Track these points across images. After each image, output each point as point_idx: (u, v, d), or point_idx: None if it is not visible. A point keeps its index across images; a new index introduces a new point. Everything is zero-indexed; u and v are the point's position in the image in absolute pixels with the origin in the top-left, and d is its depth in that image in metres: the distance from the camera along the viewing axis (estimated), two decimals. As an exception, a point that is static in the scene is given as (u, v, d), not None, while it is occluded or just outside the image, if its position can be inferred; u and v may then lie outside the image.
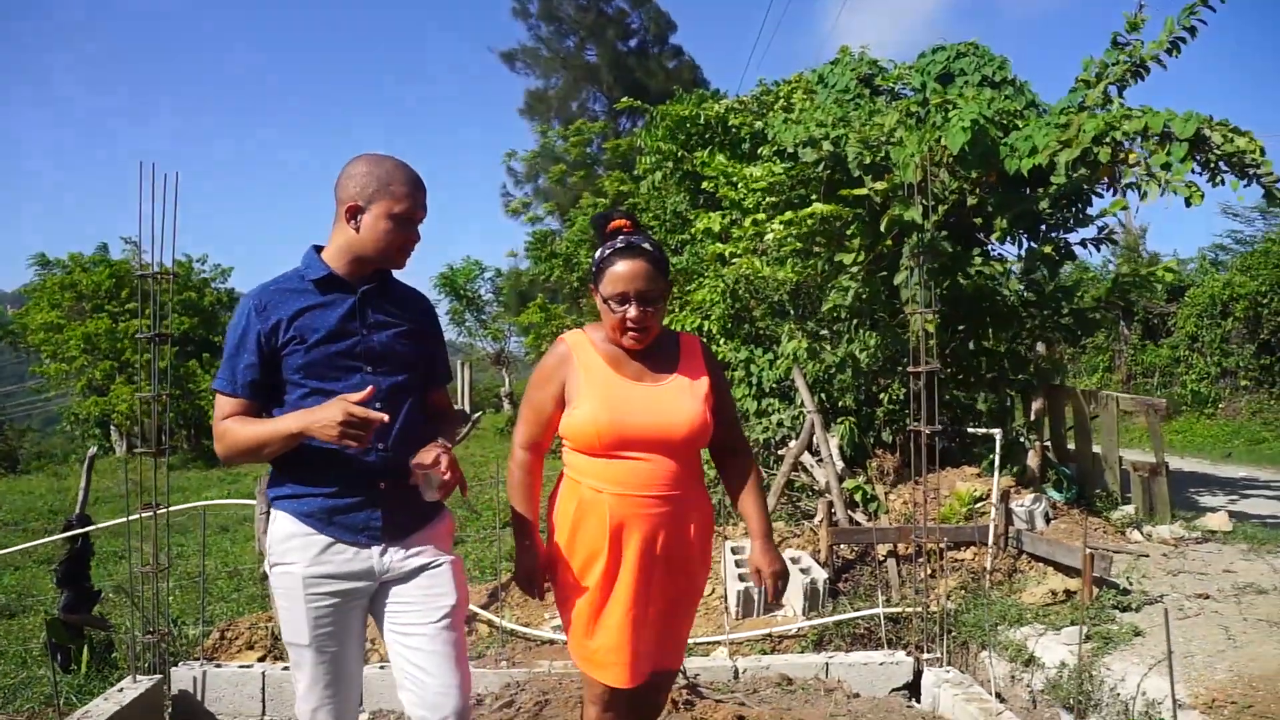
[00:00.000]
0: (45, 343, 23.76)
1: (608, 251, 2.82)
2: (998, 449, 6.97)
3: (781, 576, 2.98)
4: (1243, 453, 15.63)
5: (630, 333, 2.78)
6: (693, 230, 10.14)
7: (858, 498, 7.46)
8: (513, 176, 30.24)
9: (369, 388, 2.51)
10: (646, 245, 2.81)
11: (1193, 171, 6.76)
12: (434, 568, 2.73)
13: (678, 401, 2.81)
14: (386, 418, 2.49)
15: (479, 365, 30.91)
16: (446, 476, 2.52)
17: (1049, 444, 8.87)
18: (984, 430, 7.78)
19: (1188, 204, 6.34)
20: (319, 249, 2.72)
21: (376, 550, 2.66)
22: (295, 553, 2.64)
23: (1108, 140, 6.47)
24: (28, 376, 31.91)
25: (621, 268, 2.76)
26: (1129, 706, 4.56)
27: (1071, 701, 4.79)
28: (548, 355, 2.96)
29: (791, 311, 8.56)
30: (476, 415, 8.43)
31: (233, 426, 2.61)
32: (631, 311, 2.75)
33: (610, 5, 33.48)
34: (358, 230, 2.62)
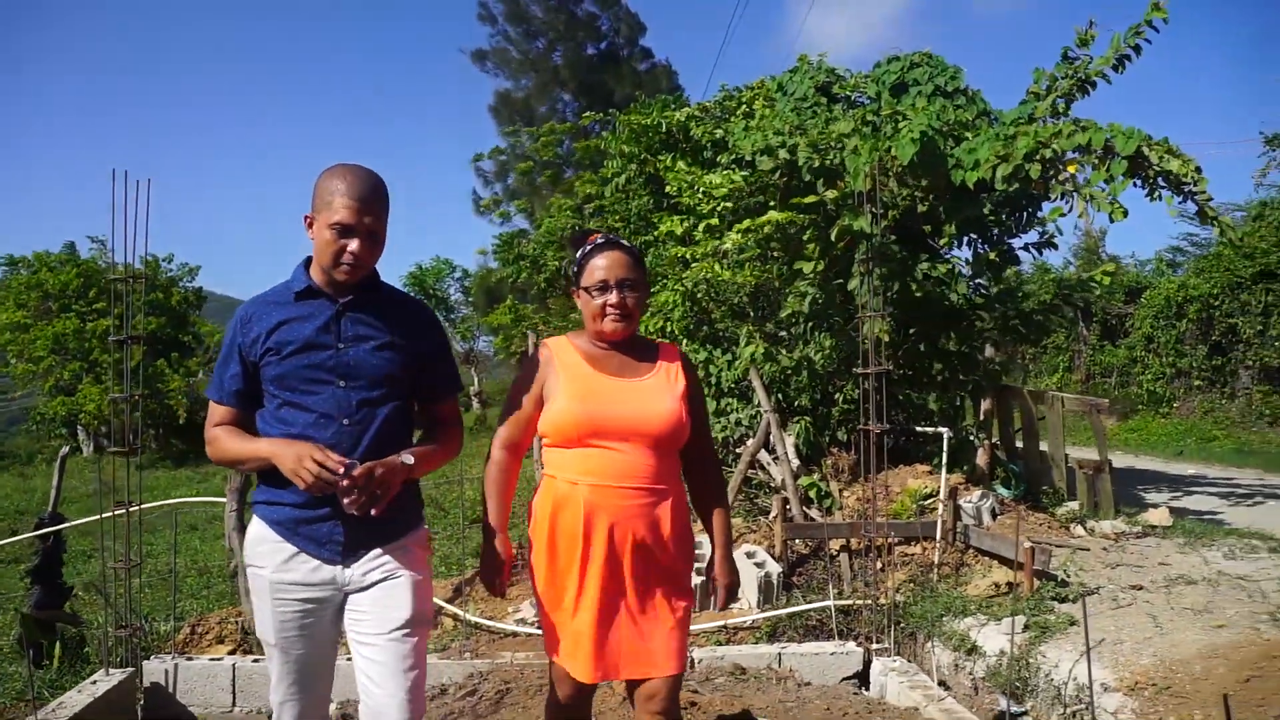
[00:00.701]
0: (11, 343, 23.65)
1: (588, 248, 2.96)
2: (945, 447, 7.24)
3: (734, 589, 3.08)
4: (1194, 450, 16.05)
5: (610, 317, 2.88)
6: (656, 233, 10.36)
7: (813, 494, 7.70)
8: (482, 177, 30.41)
9: (340, 463, 2.51)
10: (625, 243, 2.97)
11: (1134, 185, 7.07)
12: (392, 579, 2.73)
13: (654, 397, 2.89)
14: (342, 469, 2.50)
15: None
16: (344, 484, 2.52)
17: (998, 442, 9.17)
18: (933, 429, 8.04)
19: (1111, 220, 6.65)
20: (309, 261, 2.76)
21: (339, 564, 2.69)
22: (264, 557, 2.71)
23: (1038, 157, 6.75)
24: (-8, 377, 31.69)
25: (602, 259, 2.89)
26: (1061, 691, 4.82)
27: (1010, 687, 5.04)
28: (529, 361, 3.07)
29: (751, 314, 8.79)
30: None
31: (221, 436, 2.73)
32: (612, 297, 2.86)
33: (580, 7, 33.63)
34: (313, 240, 2.67)
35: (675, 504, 2.91)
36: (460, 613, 6.27)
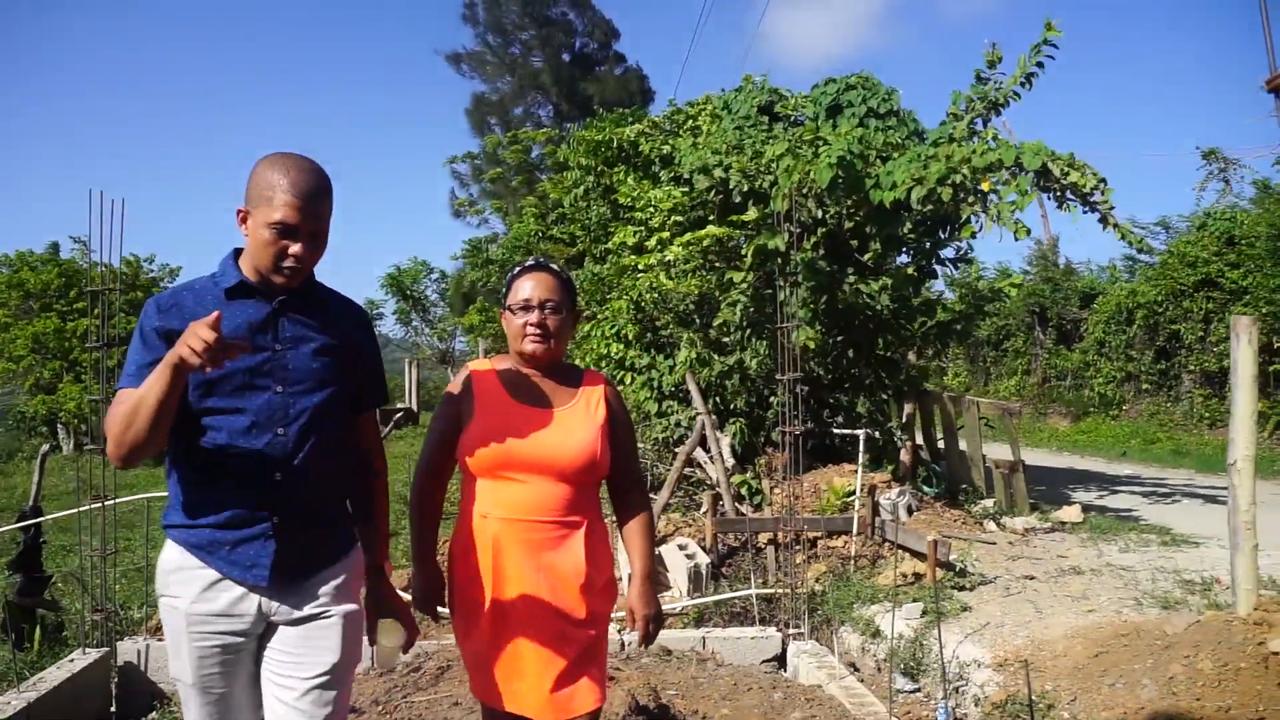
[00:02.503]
0: (-9, 343, 23.89)
1: (516, 269, 2.93)
2: (861, 448, 7.81)
3: (654, 620, 2.92)
4: (1137, 452, 16.67)
5: (530, 337, 2.80)
6: (612, 242, 10.88)
7: (745, 491, 8.25)
8: (458, 179, 30.85)
9: (216, 313, 2.16)
10: (554, 266, 2.91)
11: (1048, 197, 7.69)
12: (323, 619, 2.52)
13: (569, 428, 2.79)
14: (249, 349, 2.32)
15: (426, 364, 31.45)
16: (404, 656, 2.51)
17: (921, 443, 9.75)
18: (851, 431, 8.60)
19: (1016, 237, 7.24)
20: (239, 253, 2.51)
21: (265, 590, 2.44)
22: (180, 586, 2.43)
23: (949, 181, 7.32)
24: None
25: (528, 279, 2.83)
26: (946, 669, 5.38)
27: (906, 667, 5.60)
28: (451, 383, 2.97)
29: (696, 320, 9.33)
30: (399, 413, 8.98)
31: (114, 407, 2.34)
32: (533, 317, 2.78)
33: (555, 11, 34.09)
34: (247, 236, 2.42)
35: (590, 535, 2.81)
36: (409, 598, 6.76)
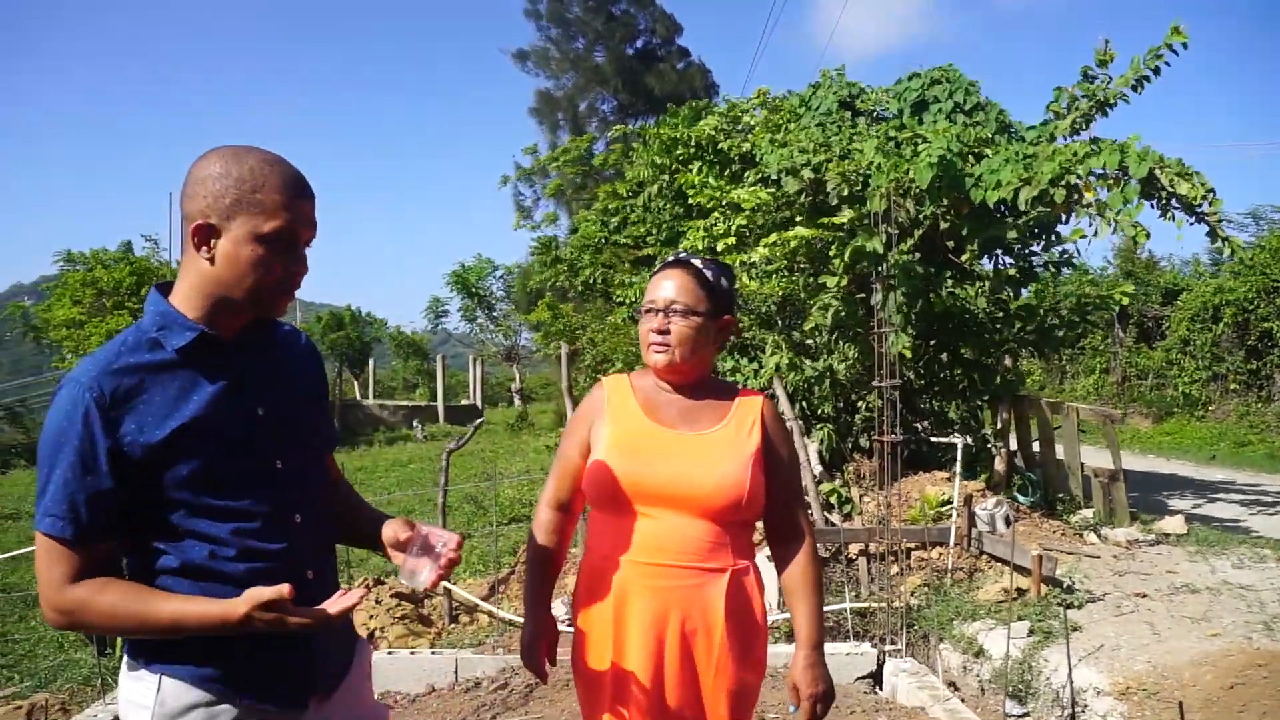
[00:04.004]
0: (67, 339, 24.29)
1: (657, 267, 2.55)
2: (959, 456, 7.51)
3: (823, 700, 2.41)
4: (1227, 455, 16.09)
5: (652, 346, 2.40)
6: (684, 243, 10.66)
7: (834, 500, 7.99)
8: (521, 180, 30.81)
9: (286, 586, 1.69)
10: (696, 262, 2.47)
11: (1150, 205, 7.31)
12: None
13: (714, 455, 2.36)
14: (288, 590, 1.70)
15: (491, 361, 31.54)
16: (455, 554, 1.88)
17: (1016, 451, 9.41)
18: (947, 439, 8.31)
19: (1135, 243, 6.89)
20: (164, 289, 1.88)
21: (299, 709, 1.92)
22: None
23: (1063, 183, 6.98)
24: (46, 370, 32.54)
25: (659, 276, 2.45)
26: (1059, 694, 5.09)
27: (1013, 689, 5.32)
28: (583, 400, 2.60)
29: (778, 323, 9.08)
30: (480, 420, 8.83)
31: (95, 601, 1.73)
32: (654, 322, 2.39)
33: (617, 7, 33.94)
34: (212, 261, 1.79)
35: (735, 587, 2.34)
36: (495, 610, 6.62)
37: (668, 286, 2.40)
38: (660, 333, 2.38)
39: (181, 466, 1.76)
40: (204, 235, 1.78)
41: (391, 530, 1.98)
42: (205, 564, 1.80)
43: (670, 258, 2.53)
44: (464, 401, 29.63)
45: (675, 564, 2.31)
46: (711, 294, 2.43)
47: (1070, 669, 4.60)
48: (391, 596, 6.73)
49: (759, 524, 2.52)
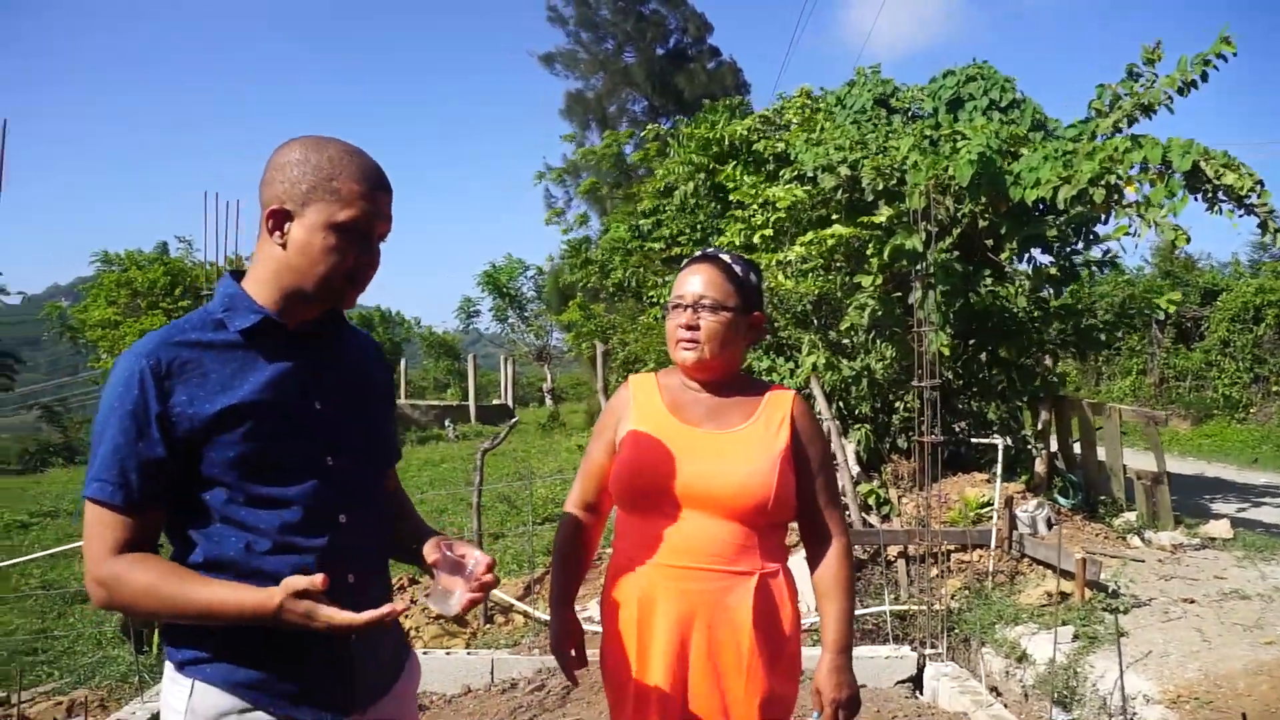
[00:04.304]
0: (102, 339, 24.51)
1: (686, 260, 2.47)
2: (1000, 457, 7.40)
3: (847, 707, 2.32)
4: (1270, 458, 15.81)
5: (680, 343, 2.34)
6: (719, 241, 10.59)
7: (872, 501, 7.89)
8: (551, 179, 30.83)
9: (320, 576, 1.64)
10: (724, 257, 2.41)
11: (1194, 199, 7.14)
12: None
13: (741, 453, 2.29)
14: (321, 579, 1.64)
15: (522, 360, 31.58)
16: (488, 576, 1.77)
17: (1056, 452, 9.28)
18: (987, 440, 8.20)
19: (1174, 245, 6.75)
20: (238, 276, 1.87)
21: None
22: None
23: (1103, 182, 6.84)
24: (83, 369, 32.89)
25: (686, 271, 2.39)
26: (1106, 701, 4.98)
27: (1058, 696, 5.21)
28: (609, 400, 2.56)
29: (814, 322, 8.99)
30: (514, 419, 8.78)
31: (134, 575, 1.68)
32: (683, 317, 2.33)
33: (647, 7, 33.89)
34: (285, 247, 1.77)
35: (763, 590, 2.27)
36: (530, 610, 6.57)
37: (696, 281, 2.34)
38: (689, 328, 2.32)
39: (228, 448, 1.72)
40: (278, 220, 1.77)
41: (428, 549, 1.92)
42: (240, 558, 1.75)
43: (698, 253, 2.46)
44: (495, 401, 29.66)
45: (701, 566, 2.25)
46: (741, 289, 2.37)
47: (1121, 675, 4.49)
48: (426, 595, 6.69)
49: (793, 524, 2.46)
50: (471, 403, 27.15)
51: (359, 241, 1.79)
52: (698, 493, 2.25)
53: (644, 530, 2.31)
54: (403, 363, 34.20)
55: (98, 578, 1.69)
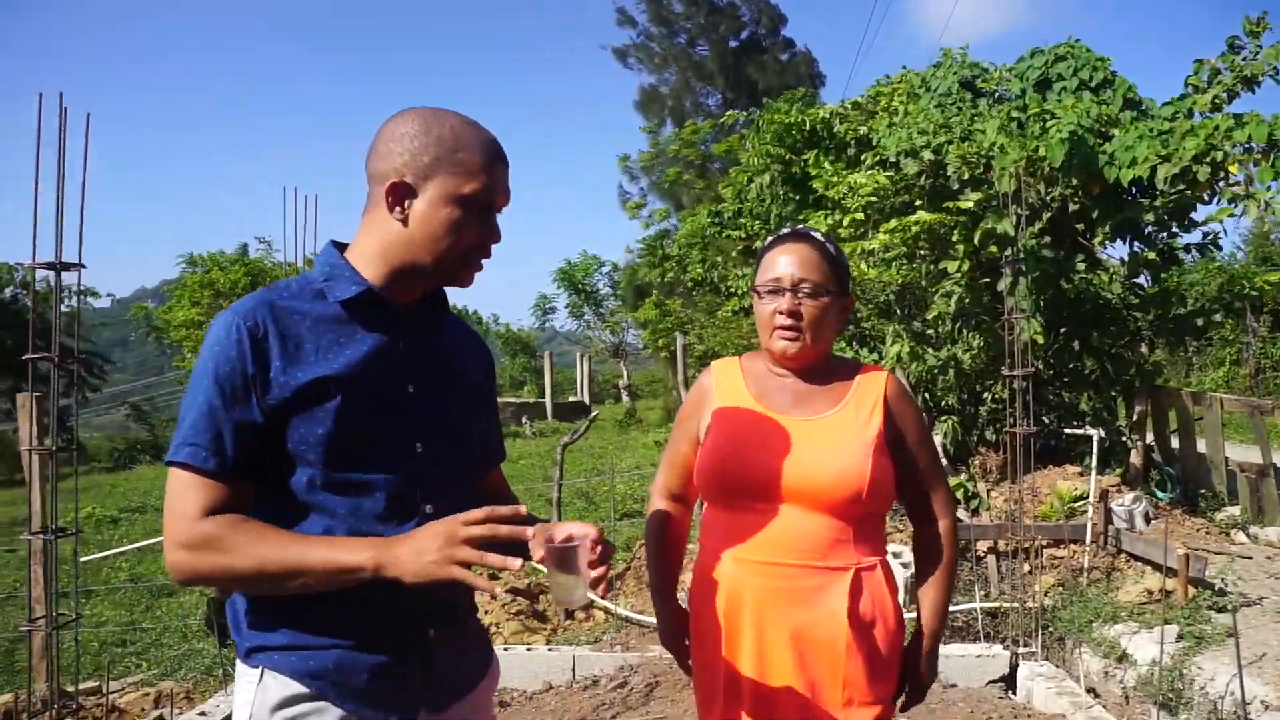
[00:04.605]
0: (186, 339, 25.05)
1: (770, 239, 2.29)
2: (1094, 449, 7.15)
3: (917, 689, 2.30)
4: (1376, 450, 15.17)
5: (779, 331, 2.17)
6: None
7: (960, 495, 7.68)
8: (628, 173, 30.84)
9: (517, 508, 1.60)
10: (817, 235, 2.24)
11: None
12: None
13: (828, 442, 2.13)
14: (519, 564, 1.53)
15: (598, 357, 31.66)
16: (599, 570, 1.63)
17: (1153, 444, 8.95)
18: (1083, 430, 7.94)
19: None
20: (340, 247, 1.78)
21: None
22: None
23: (1208, 160, 6.54)
24: (168, 369, 33.73)
25: (778, 252, 2.20)
26: (1217, 705, 4.74)
27: (1163, 698, 4.97)
28: (692, 387, 2.42)
29: (897, 312, 8.79)
30: (594, 414, 8.68)
31: (230, 535, 1.56)
32: (784, 303, 2.15)
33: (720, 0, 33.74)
34: (405, 222, 1.68)
35: (859, 587, 2.11)
36: (611, 606, 6.50)
37: (792, 262, 2.17)
38: (790, 314, 2.14)
39: (317, 422, 1.62)
40: (399, 194, 1.67)
41: (533, 544, 1.70)
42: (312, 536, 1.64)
43: (784, 229, 2.30)
44: (571, 398, 29.78)
45: (792, 562, 2.09)
46: (836, 269, 2.21)
47: (1240, 677, 4.25)
48: (507, 591, 6.65)
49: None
50: (548, 400, 27.29)
51: (481, 215, 1.71)
52: (787, 484, 2.10)
53: (731, 524, 2.16)
54: (480, 360, 34.47)
55: (186, 539, 1.57)
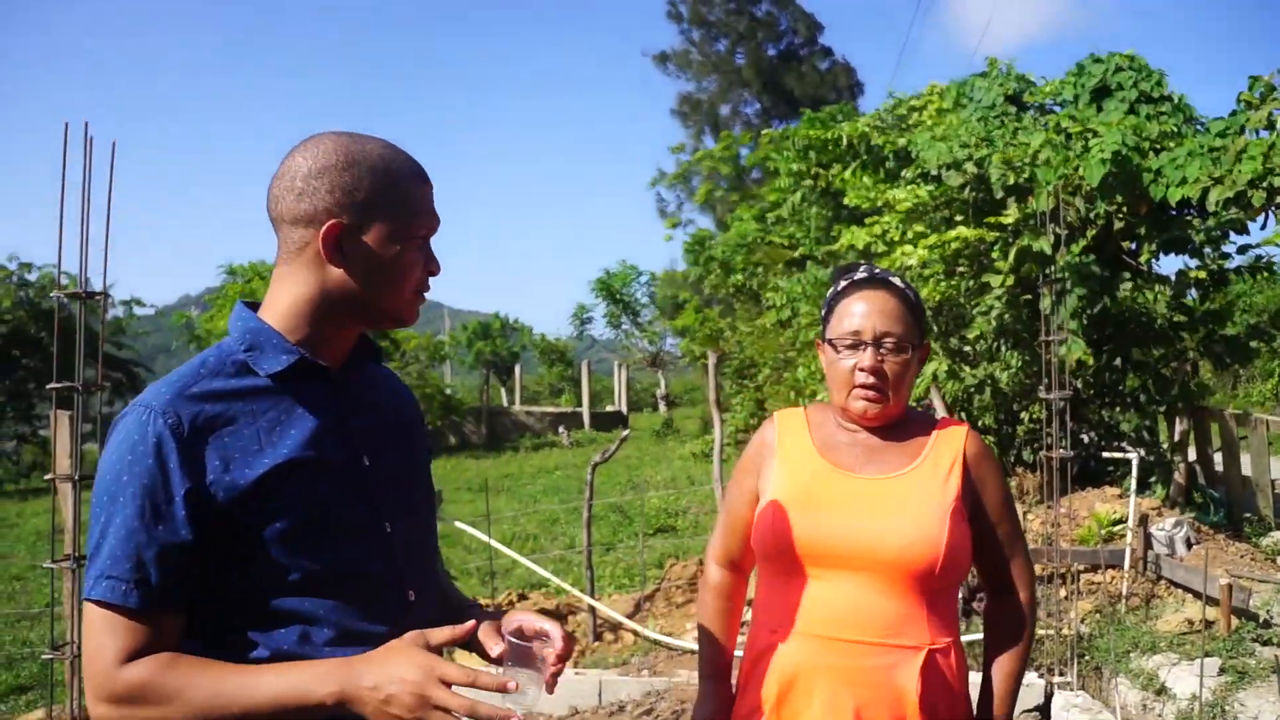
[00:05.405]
0: (227, 350, 25.28)
1: (843, 283, 2.09)
2: (1134, 471, 7.01)
3: None
4: None
5: (860, 390, 1.98)
6: (838, 245, 10.33)
7: (996, 517, 7.59)
8: (664, 185, 30.87)
9: (470, 622, 1.44)
10: (896, 280, 2.06)
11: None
12: None
13: (902, 505, 1.93)
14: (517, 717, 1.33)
15: (635, 367, 31.66)
16: (559, 665, 1.49)
17: (1196, 466, 8.77)
18: (1123, 454, 7.79)
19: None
20: (252, 306, 1.55)
21: None
22: None
23: (1264, 185, 6.38)
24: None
25: (858, 302, 2.01)
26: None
27: (1203, 734, 4.85)
28: (751, 441, 2.19)
29: (934, 329, 8.70)
30: (626, 433, 8.58)
31: (162, 681, 1.33)
32: (866, 359, 1.96)
33: (759, 8, 33.75)
34: (347, 269, 1.48)
35: (931, 668, 1.90)
36: (639, 629, 6.45)
37: (872, 313, 1.98)
38: (873, 372, 1.95)
39: (275, 520, 1.40)
40: (337, 238, 1.46)
41: (487, 637, 1.54)
42: (295, 651, 1.42)
43: (860, 274, 2.09)
44: (609, 408, 29.79)
45: (858, 639, 1.88)
46: (917, 318, 2.04)
47: None
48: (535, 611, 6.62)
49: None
50: (585, 409, 27.30)
51: (423, 247, 1.54)
52: (853, 552, 1.91)
53: (790, 595, 1.95)
54: (518, 369, 34.65)
55: (110, 692, 1.33)
